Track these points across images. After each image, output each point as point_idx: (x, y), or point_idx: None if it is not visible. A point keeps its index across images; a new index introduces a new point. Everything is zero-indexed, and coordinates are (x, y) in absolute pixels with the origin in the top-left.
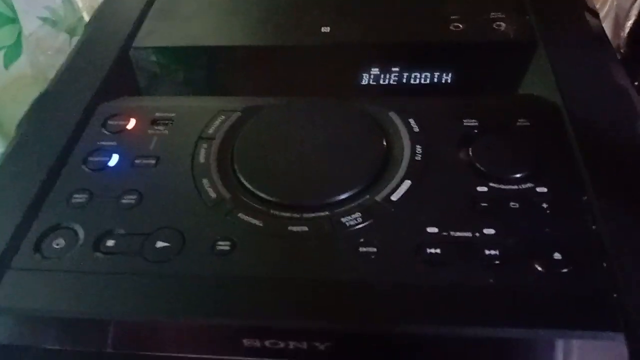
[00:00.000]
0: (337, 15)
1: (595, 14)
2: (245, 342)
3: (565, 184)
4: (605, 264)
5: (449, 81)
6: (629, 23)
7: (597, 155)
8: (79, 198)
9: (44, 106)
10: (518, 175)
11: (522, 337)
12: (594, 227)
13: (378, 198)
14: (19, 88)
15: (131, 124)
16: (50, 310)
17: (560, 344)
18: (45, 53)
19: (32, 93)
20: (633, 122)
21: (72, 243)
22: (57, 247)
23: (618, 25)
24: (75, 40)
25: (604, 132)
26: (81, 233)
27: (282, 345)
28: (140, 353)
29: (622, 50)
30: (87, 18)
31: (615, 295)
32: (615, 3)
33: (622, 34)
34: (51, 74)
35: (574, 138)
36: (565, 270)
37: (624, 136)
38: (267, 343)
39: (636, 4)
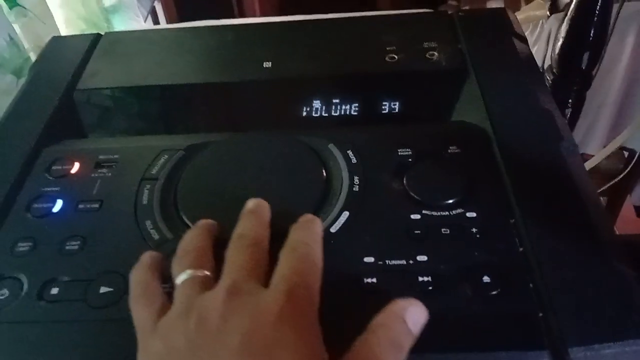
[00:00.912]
0: (278, 51)
1: (524, 39)
2: None
3: (494, 208)
4: (531, 285)
5: (387, 110)
6: (559, 44)
7: (523, 179)
8: (23, 247)
9: None
10: (449, 202)
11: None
12: (521, 249)
13: None
14: None
15: (75, 167)
16: None
17: None
18: None
19: None
20: (556, 145)
21: (16, 293)
22: (1, 297)
23: (550, 46)
24: (22, 81)
25: (529, 156)
26: (25, 282)
27: None
28: None
29: (554, 71)
30: (34, 58)
31: (540, 314)
32: (545, 26)
33: (553, 55)
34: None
35: (502, 163)
36: (493, 292)
37: (548, 160)
38: None
39: (563, 27)
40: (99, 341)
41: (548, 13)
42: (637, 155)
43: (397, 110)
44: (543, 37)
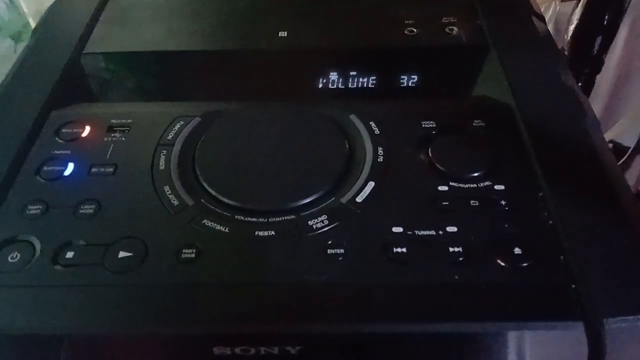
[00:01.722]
0: (294, 20)
1: (542, 18)
2: (216, 350)
3: (521, 182)
4: (562, 257)
5: (405, 84)
6: (572, 27)
7: (549, 153)
8: (34, 209)
9: None
10: (476, 174)
11: (487, 330)
12: (550, 222)
13: (343, 200)
14: None
15: (86, 131)
16: (10, 327)
17: (523, 335)
18: None
19: None
20: (581, 120)
21: (28, 256)
22: (13, 260)
23: (561, 29)
24: (21, 46)
25: (554, 131)
26: (38, 245)
27: (253, 351)
28: None
29: (566, 53)
30: (33, 24)
31: (573, 286)
32: (558, 8)
33: (565, 38)
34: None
35: (527, 137)
36: (525, 264)
37: (573, 135)
38: (237, 350)
39: (577, 10)
40: (118, 306)
41: None
42: (629, 151)
43: (415, 84)
44: (554, 19)
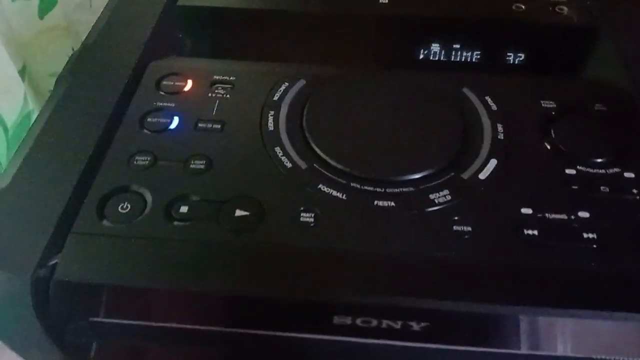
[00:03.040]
0: None
1: None
2: (336, 319)
3: None
4: None
5: (512, 62)
6: None
7: None
8: (142, 160)
9: (87, 62)
10: (604, 160)
11: (621, 320)
12: None
13: (465, 176)
14: (50, 40)
15: (188, 85)
16: (123, 279)
17: None
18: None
19: (63, 46)
20: None
21: (140, 207)
22: (123, 211)
23: None
24: None
25: None
26: (149, 197)
27: (375, 323)
28: (222, 330)
29: None
30: None
31: None
32: None
33: None
34: (79, 28)
35: None
36: None
37: None
38: (358, 321)
39: None
40: (237, 266)
41: None
42: None
43: (522, 63)
44: None
